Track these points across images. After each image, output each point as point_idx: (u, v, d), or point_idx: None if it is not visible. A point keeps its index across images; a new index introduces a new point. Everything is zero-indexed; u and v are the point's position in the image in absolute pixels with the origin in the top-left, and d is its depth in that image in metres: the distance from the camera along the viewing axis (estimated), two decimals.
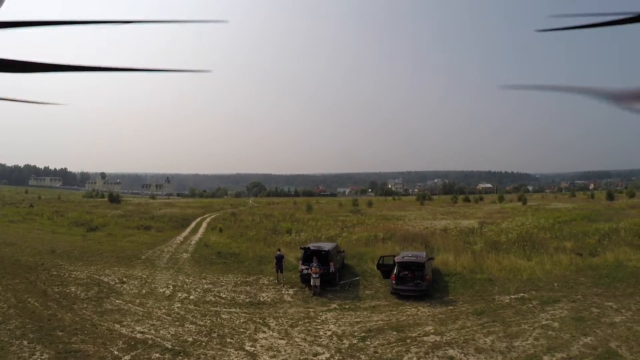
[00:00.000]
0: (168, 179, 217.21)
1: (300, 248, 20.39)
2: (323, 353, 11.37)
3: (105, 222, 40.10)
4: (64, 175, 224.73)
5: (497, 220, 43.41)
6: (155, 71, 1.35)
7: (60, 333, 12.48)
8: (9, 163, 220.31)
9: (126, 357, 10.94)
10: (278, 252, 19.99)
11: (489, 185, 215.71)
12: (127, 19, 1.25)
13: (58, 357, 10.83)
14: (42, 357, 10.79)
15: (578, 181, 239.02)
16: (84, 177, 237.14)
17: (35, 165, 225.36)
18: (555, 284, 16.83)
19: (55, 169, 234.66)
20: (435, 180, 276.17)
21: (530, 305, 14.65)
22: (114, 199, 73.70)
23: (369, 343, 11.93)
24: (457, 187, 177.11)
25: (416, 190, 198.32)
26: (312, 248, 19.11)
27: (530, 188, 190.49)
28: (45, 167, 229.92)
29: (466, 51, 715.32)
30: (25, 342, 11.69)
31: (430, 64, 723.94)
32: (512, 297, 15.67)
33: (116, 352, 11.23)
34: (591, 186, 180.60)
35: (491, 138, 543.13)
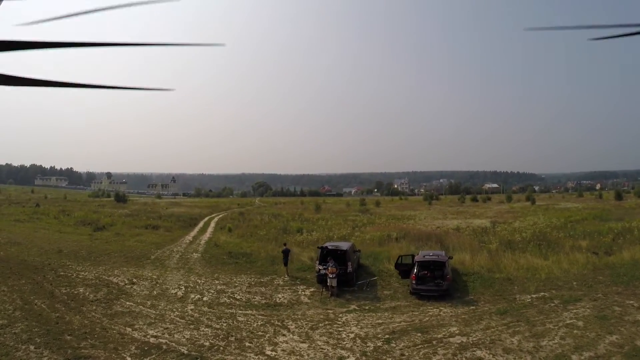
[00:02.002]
0: (174, 178, 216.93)
1: (317, 247, 19.72)
2: (348, 357, 10.72)
3: (113, 222, 39.53)
4: (69, 175, 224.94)
5: (508, 219, 43.15)
6: (129, 89, 1.33)
7: (68, 337, 11.79)
8: (15, 163, 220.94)
9: None
10: (284, 247, 20.52)
11: (495, 185, 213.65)
12: (127, 42, 1.22)
13: None
14: None
15: (584, 181, 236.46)
16: (90, 177, 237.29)
17: (41, 165, 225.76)
18: (575, 283, 16.54)
19: (61, 168, 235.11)
20: (441, 181, 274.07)
21: (552, 304, 14.31)
22: (120, 199, 73.30)
23: (394, 345, 11.40)
24: (464, 187, 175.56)
25: (422, 190, 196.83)
26: (329, 247, 18.45)
27: (536, 188, 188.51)
28: (51, 167, 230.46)
29: (470, 51, 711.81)
30: (32, 347, 11.01)
31: (434, 63, 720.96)
32: (533, 296, 15.35)
33: (129, 358, 10.54)
34: (598, 186, 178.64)
35: (496, 138, 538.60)
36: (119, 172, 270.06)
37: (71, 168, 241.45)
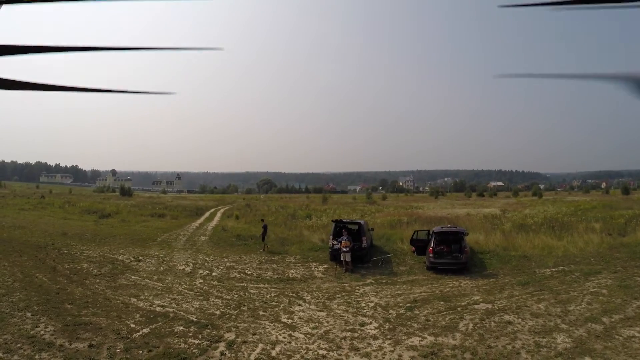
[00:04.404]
0: (179, 175, 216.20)
1: (332, 221, 19.02)
2: (370, 323, 10.02)
3: (118, 210, 38.82)
4: (74, 173, 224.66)
5: (517, 208, 42.59)
6: (141, 93, 1.38)
7: (69, 306, 11.07)
8: (20, 160, 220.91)
9: (144, 330, 9.49)
10: (262, 222, 21.51)
11: (500, 183, 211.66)
12: (125, 46, 1.27)
13: (65, 330, 9.36)
14: (47, 329, 9.34)
15: (589, 180, 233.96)
16: (95, 175, 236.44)
17: (46, 163, 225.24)
18: (592, 259, 16.20)
19: (66, 166, 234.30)
20: (446, 179, 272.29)
21: (573, 276, 14.01)
22: (126, 192, 72.68)
23: (417, 312, 10.85)
24: (469, 186, 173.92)
25: (427, 188, 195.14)
26: (343, 220, 17.77)
27: (541, 186, 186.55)
28: (56, 164, 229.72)
29: (474, 50, 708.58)
30: (28, 314, 10.29)
31: (438, 63, 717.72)
32: (553, 269, 15.03)
33: (133, 325, 9.79)
34: (603, 185, 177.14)
35: (501, 137, 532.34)
36: (124, 170, 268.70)
37: (76, 166, 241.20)
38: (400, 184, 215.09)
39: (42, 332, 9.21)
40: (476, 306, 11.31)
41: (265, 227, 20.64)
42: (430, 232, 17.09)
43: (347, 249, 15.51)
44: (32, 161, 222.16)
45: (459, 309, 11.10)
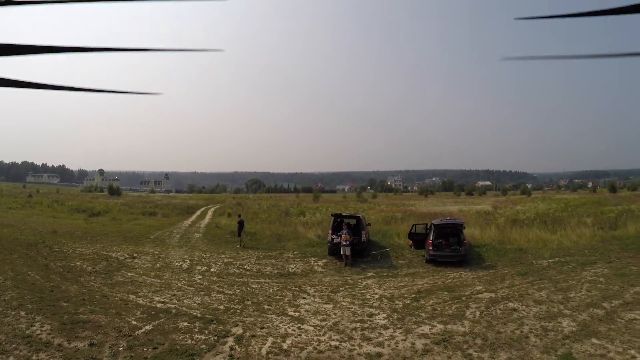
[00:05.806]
0: (167, 175, 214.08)
1: (331, 215, 18.88)
2: (378, 314, 9.98)
3: (108, 209, 38.19)
4: (62, 173, 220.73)
5: (508, 205, 43.01)
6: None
7: (64, 304, 10.68)
8: (7, 160, 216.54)
9: (147, 327, 9.18)
10: (239, 218, 21.61)
11: (487, 182, 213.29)
12: (121, 47, 1.26)
13: (63, 328, 8.97)
14: (43, 328, 8.94)
15: (576, 180, 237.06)
16: (82, 175, 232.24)
17: (32, 162, 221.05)
18: (586, 251, 16.61)
19: (53, 166, 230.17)
20: (434, 179, 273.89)
21: (570, 266, 14.37)
22: (114, 191, 71.53)
23: (423, 302, 10.93)
24: (457, 185, 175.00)
25: (415, 187, 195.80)
26: (343, 214, 17.66)
27: (529, 186, 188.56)
28: (43, 164, 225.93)
29: (464, 52, 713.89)
30: (22, 313, 9.87)
31: (427, 64, 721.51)
32: (550, 261, 15.36)
33: (134, 322, 9.47)
34: (590, 184, 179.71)
35: (489, 137, 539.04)
36: (112, 170, 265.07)
37: (63, 165, 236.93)
38: (389, 183, 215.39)
39: (38, 332, 8.81)
40: (480, 295, 11.49)
41: (241, 223, 20.68)
42: (429, 225, 17.06)
43: (347, 242, 15.37)
44: (19, 161, 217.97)
45: (463, 298, 11.26)
